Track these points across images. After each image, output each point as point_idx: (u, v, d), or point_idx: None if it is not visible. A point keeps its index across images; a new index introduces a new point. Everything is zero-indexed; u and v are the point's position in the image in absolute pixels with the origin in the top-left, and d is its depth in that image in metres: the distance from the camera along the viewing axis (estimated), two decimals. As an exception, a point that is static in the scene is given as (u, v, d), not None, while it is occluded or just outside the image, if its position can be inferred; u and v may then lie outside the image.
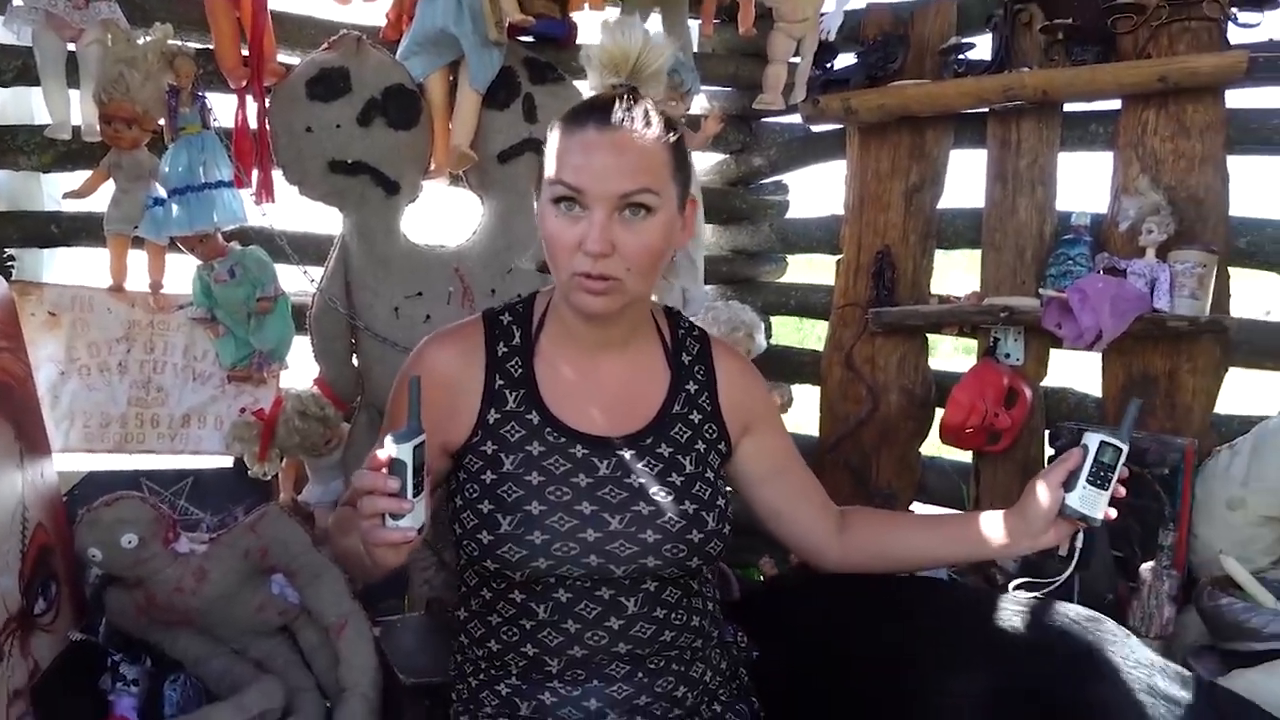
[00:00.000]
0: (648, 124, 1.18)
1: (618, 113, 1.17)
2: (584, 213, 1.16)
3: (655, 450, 1.28)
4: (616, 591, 1.23)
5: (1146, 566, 1.76)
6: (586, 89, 2.19)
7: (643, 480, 1.25)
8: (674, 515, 1.24)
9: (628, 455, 1.26)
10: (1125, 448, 1.28)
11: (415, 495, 1.02)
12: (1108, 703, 1.18)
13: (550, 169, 1.19)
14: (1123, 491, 1.30)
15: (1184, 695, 1.18)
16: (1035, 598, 1.38)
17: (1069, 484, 1.29)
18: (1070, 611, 1.31)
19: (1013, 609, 1.34)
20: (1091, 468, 1.27)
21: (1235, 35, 1.96)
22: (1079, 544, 1.35)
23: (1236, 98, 2.00)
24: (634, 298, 1.23)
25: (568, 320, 1.29)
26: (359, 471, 1.04)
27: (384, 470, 1.00)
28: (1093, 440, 1.28)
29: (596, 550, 1.20)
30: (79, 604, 1.85)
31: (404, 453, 1.00)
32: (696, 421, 1.33)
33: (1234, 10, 1.89)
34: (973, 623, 1.35)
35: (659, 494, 1.25)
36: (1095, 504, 1.28)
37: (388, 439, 1.01)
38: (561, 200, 1.17)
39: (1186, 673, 1.23)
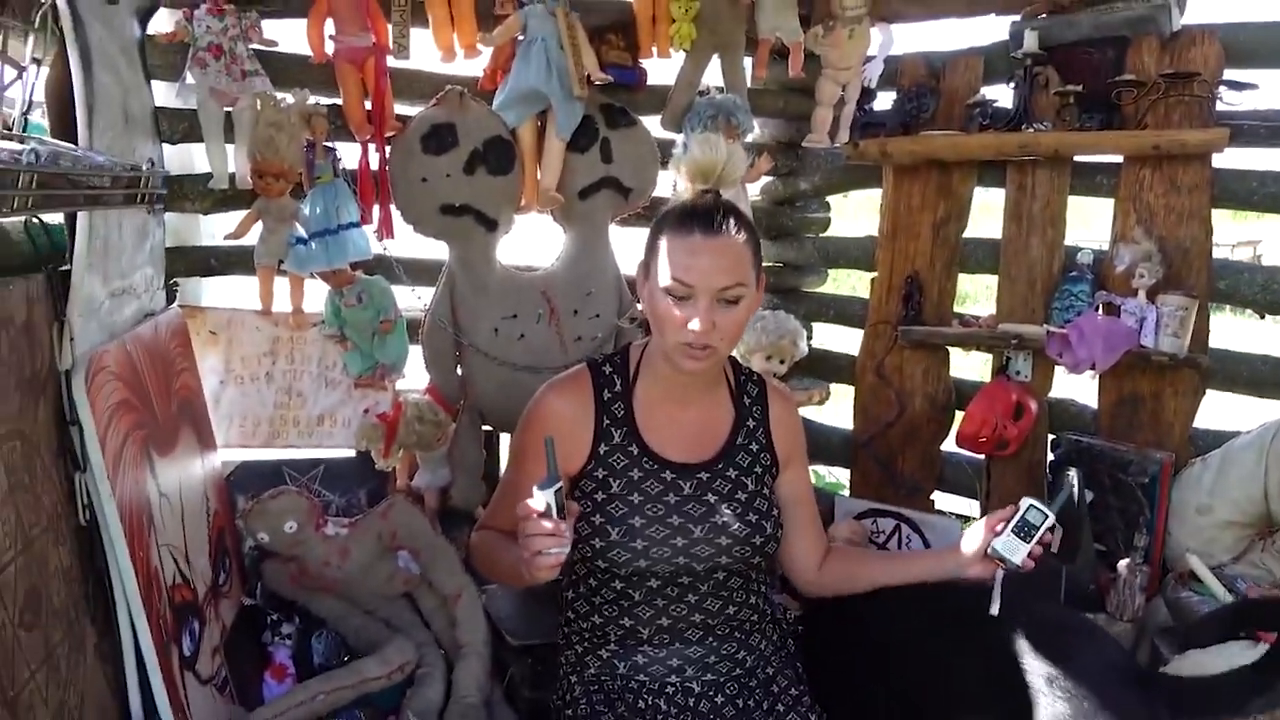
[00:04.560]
0: (738, 230, 1.50)
1: (716, 221, 1.48)
2: (689, 301, 1.47)
3: (725, 474, 1.64)
4: (694, 579, 1.59)
5: (1123, 563, 2.10)
6: (654, 126, 2.51)
7: (716, 498, 1.61)
8: (741, 525, 1.60)
9: (704, 478, 1.62)
10: (1051, 516, 1.52)
11: None
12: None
13: (664, 266, 1.48)
14: (1040, 551, 1.52)
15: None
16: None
17: (1000, 531, 1.54)
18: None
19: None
20: (1017, 523, 1.52)
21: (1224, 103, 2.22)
22: (997, 579, 1.55)
23: (1223, 159, 2.26)
24: (722, 359, 1.58)
25: (662, 372, 1.62)
26: (524, 521, 1.33)
27: (537, 515, 1.33)
28: (1024, 503, 1.53)
29: (683, 553, 1.56)
30: (242, 573, 2.25)
31: (550, 497, 1.33)
32: (755, 450, 1.68)
33: (1220, 89, 2.17)
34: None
35: (729, 509, 1.60)
36: (1015, 551, 1.51)
37: (535, 489, 1.33)
38: (672, 293, 1.49)
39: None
